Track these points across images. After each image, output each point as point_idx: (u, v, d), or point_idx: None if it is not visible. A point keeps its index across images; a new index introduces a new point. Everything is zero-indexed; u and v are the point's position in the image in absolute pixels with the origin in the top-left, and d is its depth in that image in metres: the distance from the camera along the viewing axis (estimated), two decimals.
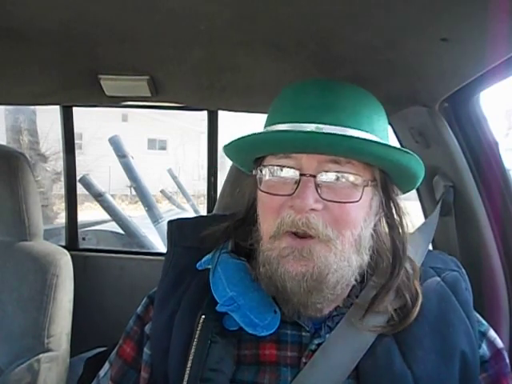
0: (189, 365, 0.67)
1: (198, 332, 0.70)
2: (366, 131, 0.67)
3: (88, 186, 3.08)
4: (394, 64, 0.99)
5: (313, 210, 0.64)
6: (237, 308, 0.68)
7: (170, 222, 0.89)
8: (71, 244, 1.87)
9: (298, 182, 0.65)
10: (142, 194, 3.41)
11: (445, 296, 0.75)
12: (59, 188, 7.17)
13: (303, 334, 0.72)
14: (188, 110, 1.59)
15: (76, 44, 1.03)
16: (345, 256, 0.66)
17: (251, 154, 0.74)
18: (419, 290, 0.71)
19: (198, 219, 0.99)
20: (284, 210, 0.66)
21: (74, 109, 1.78)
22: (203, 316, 0.71)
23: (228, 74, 1.17)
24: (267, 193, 0.69)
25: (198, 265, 0.78)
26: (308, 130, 0.64)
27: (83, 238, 2.45)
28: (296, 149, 0.66)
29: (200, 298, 0.74)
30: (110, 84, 1.30)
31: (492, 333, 0.77)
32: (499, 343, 0.76)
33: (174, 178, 6.46)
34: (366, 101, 0.71)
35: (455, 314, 0.73)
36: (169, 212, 4.97)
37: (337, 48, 0.97)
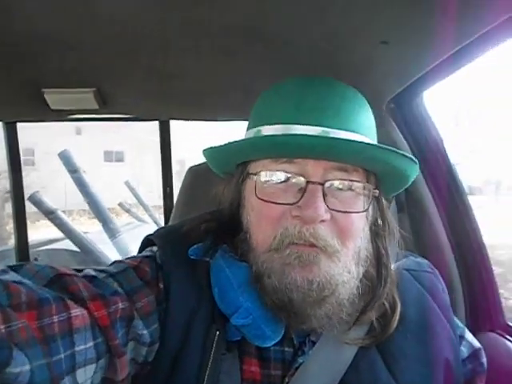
0: None
1: (213, 350, 0.62)
2: (368, 137, 0.64)
3: (38, 203, 2.93)
4: (340, 66, 1.01)
5: (322, 221, 0.60)
6: (252, 320, 0.62)
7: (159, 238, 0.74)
8: None
9: (303, 190, 0.60)
10: (96, 210, 3.29)
11: (424, 301, 0.72)
12: None
13: (286, 349, 0.66)
14: (138, 121, 1.55)
15: (16, 56, 0.99)
16: (348, 268, 0.62)
17: (244, 157, 0.67)
18: (397, 297, 0.68)
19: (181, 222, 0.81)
20: (286, 220, 0.61)
21: (22, 124, 1.70)
22: (218, 332, 0.63)
23: (177, 81, 1.15)
24: (266, 201, 0.62)
25: (189, 252, 0.67)
26: (315, 133, 0.60)
27: (35, 259, 2.34)
28: (305, 154, 0.60)
29: (208, 304, 0.65)
30: (54, 97, 1.26)
31: (468, 334, 0.77)
32: (476, 344, 0.76)
33: (132, 189, 6.33)
34: (365, 105, 0.67)
35: (436, 319, 0.71)
36: (128, 225, 4.84)
37: (285, 50, 0.97)
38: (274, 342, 0.62)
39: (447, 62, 0.90)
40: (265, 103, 0.68)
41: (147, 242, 0.75)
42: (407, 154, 0.61)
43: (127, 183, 6.37)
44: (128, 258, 0.70)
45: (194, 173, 1.26)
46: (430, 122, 1.19)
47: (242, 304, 0.62)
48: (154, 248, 0.72)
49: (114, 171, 15.77)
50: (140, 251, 0.76)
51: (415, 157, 1.16)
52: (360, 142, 0.59)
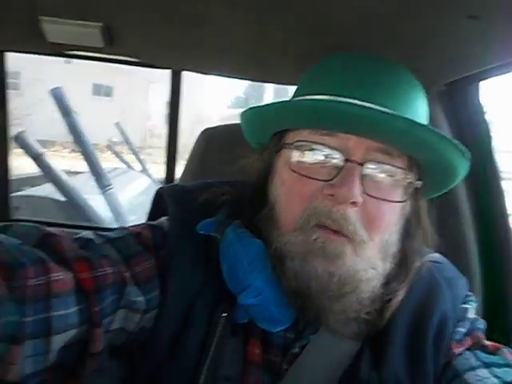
0: (204, 372, 0.57)
1: (217, 333, 0.59)
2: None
3: (25, 145, 2.65)
4: (398, 37, 0.85)
5: (353, 203, 0.54)
6: (261, 301, 0.58)
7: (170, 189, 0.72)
8: (1, 215, 1.61)
9: (340, 168, 0.55)
10: (89, 161, 2.98)
11: (434, 286, 0.65)
12: None
13: (288, 335, 0.62)
14: (147, 67, 1.36)
15: None
16: (373, 263, 0.58)
17: (284, 123, 0.61)
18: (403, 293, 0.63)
19: (200, 185, 0.75)
20: (316, 199, 0.56)
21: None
22: (224, 314, 0.59)
23: (200, 30, 0.97)
24: (300, 174, 0.57)
25: (198, 227, 0.63)
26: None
27: (16, 208, 2.12)
28: (348, 125, 0.54)
29: (215, 284, 0.61)
30: (53, 28, 1.06)
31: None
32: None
33: (123, 132, 6.03)
34: (420, 90, 0.61)
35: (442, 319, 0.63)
36: (115, 171, 4.60)
37: (333, 12, 0.81)
38: (282, 328, 0.59)
39: None
40: (310, 76, 0.64)
41: (159, 196, 0.72)
42: (461, 146, 0.55)
43: (117, 125, 6.04)
44: (133, 226, 0.67)
45: (209, 136, 1.10)
46: (482, 117, 1.06)
47: (251, 282, 0.58)
48: (163, 218, 0.68)
49: (102, 106, 15.33)
50: (152, 205, 0.74)
51: None
52: (411, 121, 0.53)
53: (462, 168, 0.58)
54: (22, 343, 0.45)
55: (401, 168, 0.57)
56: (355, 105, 0.53)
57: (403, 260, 0.63)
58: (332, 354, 0.61)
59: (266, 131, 0.65)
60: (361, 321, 0.61)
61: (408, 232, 0.63)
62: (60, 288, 0.49)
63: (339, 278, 0.55)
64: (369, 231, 0.56)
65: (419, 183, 0.60)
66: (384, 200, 0.57)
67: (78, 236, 0.60)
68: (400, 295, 0.62)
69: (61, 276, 0.50)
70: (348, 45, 0.96)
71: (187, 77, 1.38)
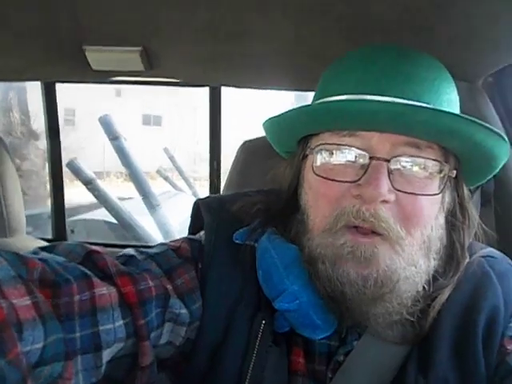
0: (247, 382, 0.56)
1: (258, 342, 0.58)
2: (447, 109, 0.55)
3: (76, 171, 2.78)
4: (438, 31, 0.83)
5: (384, 201, 0.52)
6: (298, 306, 0.56)
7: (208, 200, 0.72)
8: (58, 238, 1.70)
9: (366, 167, 0.53)
10: (137, 181, 3.10)
11: (484, 280, 0.59)
12: None
13: (332, 343, 0.60)
14: (186, 87, 1.40)
15: (56, 10, 0.86)
16: (413, 260, 0.54)
17: (303, 129, 0.61)
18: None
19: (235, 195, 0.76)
20: (345, 200, 0.54)
21: (65, 85, 1.59)
22: (264, 321, 0.58)
23: (236, 42, 0.99)
24: (325, 178, 0.56)
25: (234, 236, 0.63)
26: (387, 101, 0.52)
27: (72, 231, 2.21)
28: (367, 123, 0.53)
29: (254, 291, 0.61)
30: (96, 56, 1.12)
31: None
32: None
33: (171, 157, 6.25)
34: (445, 75, 0.58)
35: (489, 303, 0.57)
36: (164, 194, 4.75)
37: (371, 9, 0.80)
38: (325, 335, 0.57)
39: None
40: (330, 74, 0.62)
41: (197, 207, 0.71)
42: (494, 128, 0.51)
43: (166, 150, 6.27)
44: (172, 241, 0.67)
45: (249, 148, 1.11)
46: None
47: (287, 287, 0.57)
48: (202, 233, 0.68)
49: (152, 135, 15.92)
50: (191, 216, 0.74)
51: (511, 143, 1.00)
52: (432, 109, 0.51)
53: (501, 152, 0.54)
54: (74, 358, 0.46)
55: (433, 159, 0.55)
56: (369, 101, 0.52)
57: (451, 256, 0.59)
58: (377, 360, 0.58)
59: (289, 139, 0.64)
60: (405, 323, 0.58)
61: (454, 225, 0.60)
62: (105, 303, 0.50)
63: (375, 281, 0.53)
64: (407, 227, 0.54)
65: (454, 173, 0.57)
66: (417, 194, 0.54)
67: (120, 254, 0.60)
68: (446, 293, 0.58)
69: (104, 291, 0.51)
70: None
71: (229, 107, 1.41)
